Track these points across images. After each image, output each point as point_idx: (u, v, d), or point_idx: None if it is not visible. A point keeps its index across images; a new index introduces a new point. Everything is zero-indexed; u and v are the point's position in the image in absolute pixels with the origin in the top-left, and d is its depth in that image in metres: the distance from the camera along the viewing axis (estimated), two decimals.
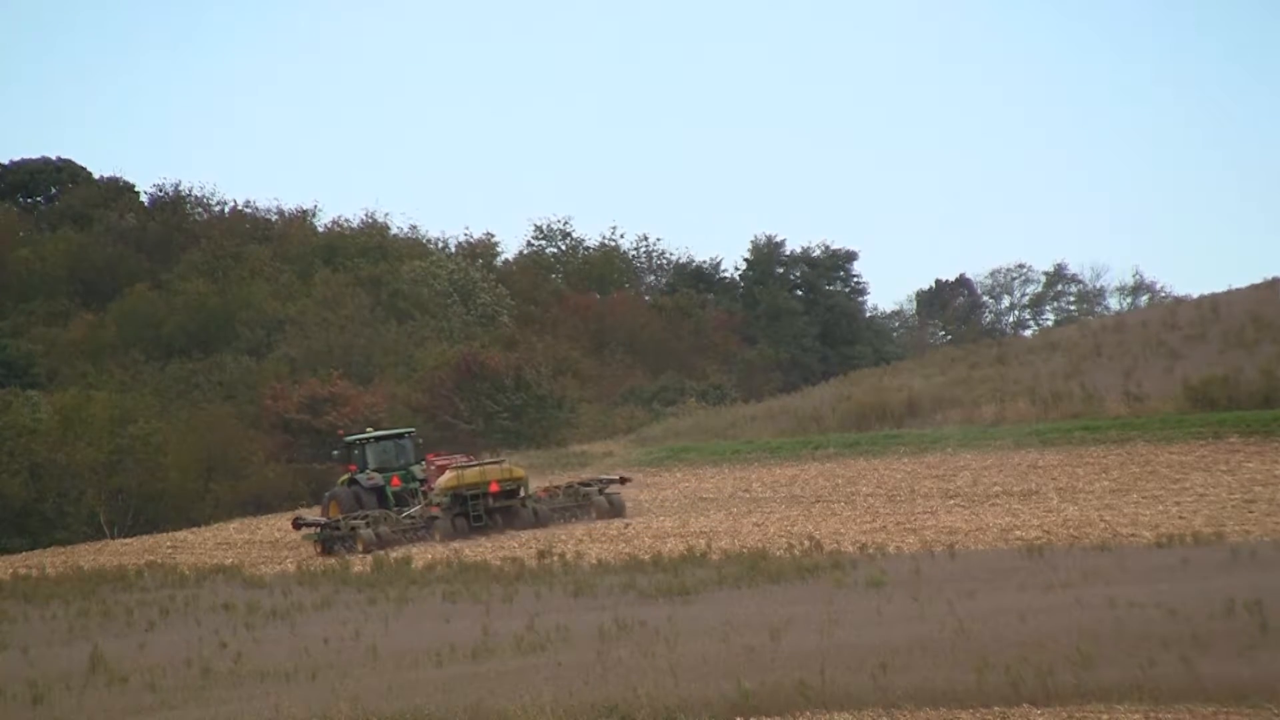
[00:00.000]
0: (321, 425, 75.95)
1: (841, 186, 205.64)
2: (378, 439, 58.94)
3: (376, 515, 52.68)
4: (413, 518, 53.02)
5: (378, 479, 56.86)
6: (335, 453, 60.09)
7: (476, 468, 53.14)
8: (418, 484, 56.10)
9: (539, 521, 51.81)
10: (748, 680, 19.79)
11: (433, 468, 55.73)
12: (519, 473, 53.52)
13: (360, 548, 50.19)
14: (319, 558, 50.34)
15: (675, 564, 36.15)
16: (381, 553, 48.05)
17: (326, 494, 58.85)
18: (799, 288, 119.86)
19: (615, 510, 52.58)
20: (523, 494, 52.93)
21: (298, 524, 53.81)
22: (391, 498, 56.30)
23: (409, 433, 60.48)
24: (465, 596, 34.24)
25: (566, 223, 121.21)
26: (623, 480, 54.96)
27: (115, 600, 40.48)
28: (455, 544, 47.67)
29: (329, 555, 50.44)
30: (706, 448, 67.94)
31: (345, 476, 57.97)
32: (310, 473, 72.41)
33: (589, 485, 54.54)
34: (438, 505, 52.17)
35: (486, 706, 19.94)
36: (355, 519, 52.26)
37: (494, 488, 51.88)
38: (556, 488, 55.18)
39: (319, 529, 52.65)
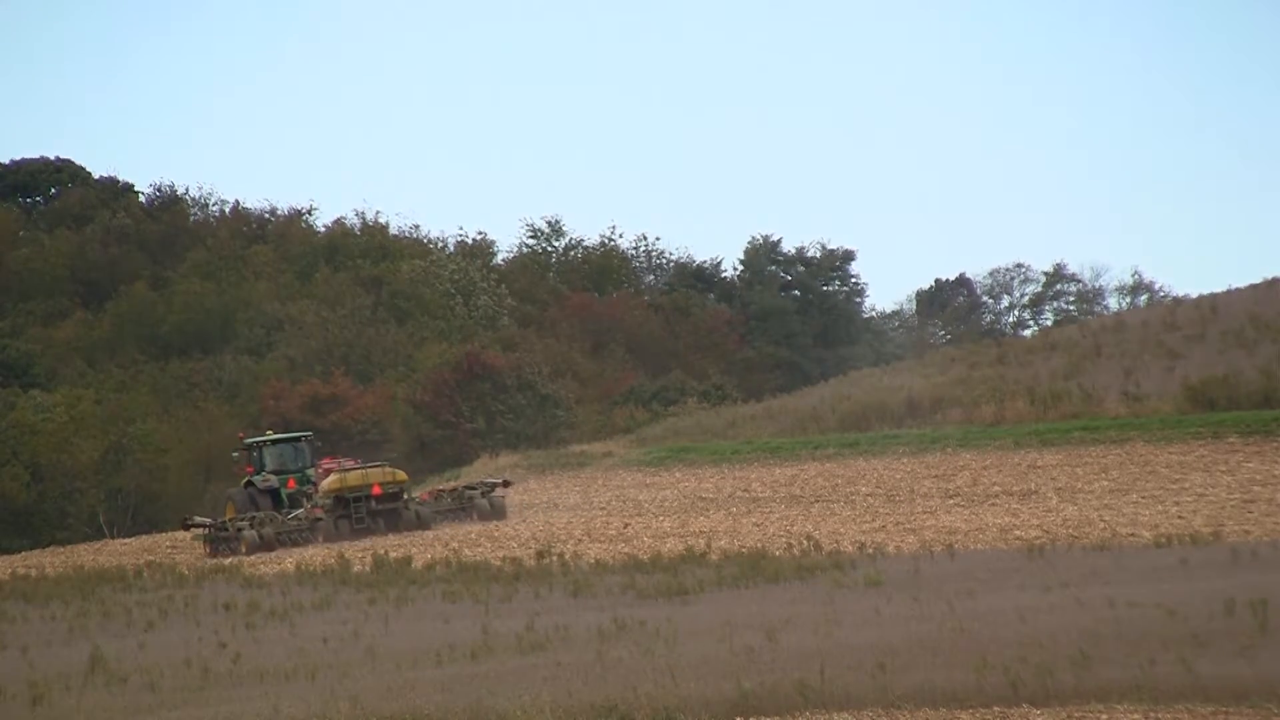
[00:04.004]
0: (325, 425, 76.07)
1: (842, 186, 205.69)
2: (274, 442, 60.32)
3: (261, 517, 54.36)
4: (298, 519, 54.53)
5: (273, 481, 58.45)
6: (235, 455, 61.31)
7: (358, 471, 54.79)
8: (311, 486, 56.96)
9: (421, 524, 53.73)
10: (747, 680, 19.79)
11: (321, 470, 56.78)
12: (401, 476, 55.41)
13: (244, 549, 52.06)
14: (208, 558, 52.29)
15: (675, 564, 36.14)
16: (271, 551, 51.06)
17: (225, 495, 60.57)
18: (795, 288, 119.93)
19: (496, 513, 54.68)
20: (405, 497, 54.76)
21: (186, 524, 55.84)
22: (286, 500, 57.72)
23: (306, 436, 62.04)
24: (465, 596, 34.23)
25: (557, 222, 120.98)
26: (505, 484, 57.24)
27: (115, 600, 40.45)
28: (454, 544, 47.65)
29: (217, 556, 52.39)
30: (706, 447, 67.94)
31: (246, 479, 59.18)
32: None
33: (473, 489, 56.53)
34: (321, 507, 53.95)
35: (486, 706, 19.94)
36: (241, 520, 53.96)
37: (376, 490, 53.83)
38: (442, 491, 57.59)
39: (207, 530, 54.53)
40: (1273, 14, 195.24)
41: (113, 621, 36.03)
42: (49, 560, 57.68)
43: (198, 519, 56.32)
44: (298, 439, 61.06)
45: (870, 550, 35.82)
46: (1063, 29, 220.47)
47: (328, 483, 54.24)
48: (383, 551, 45.49)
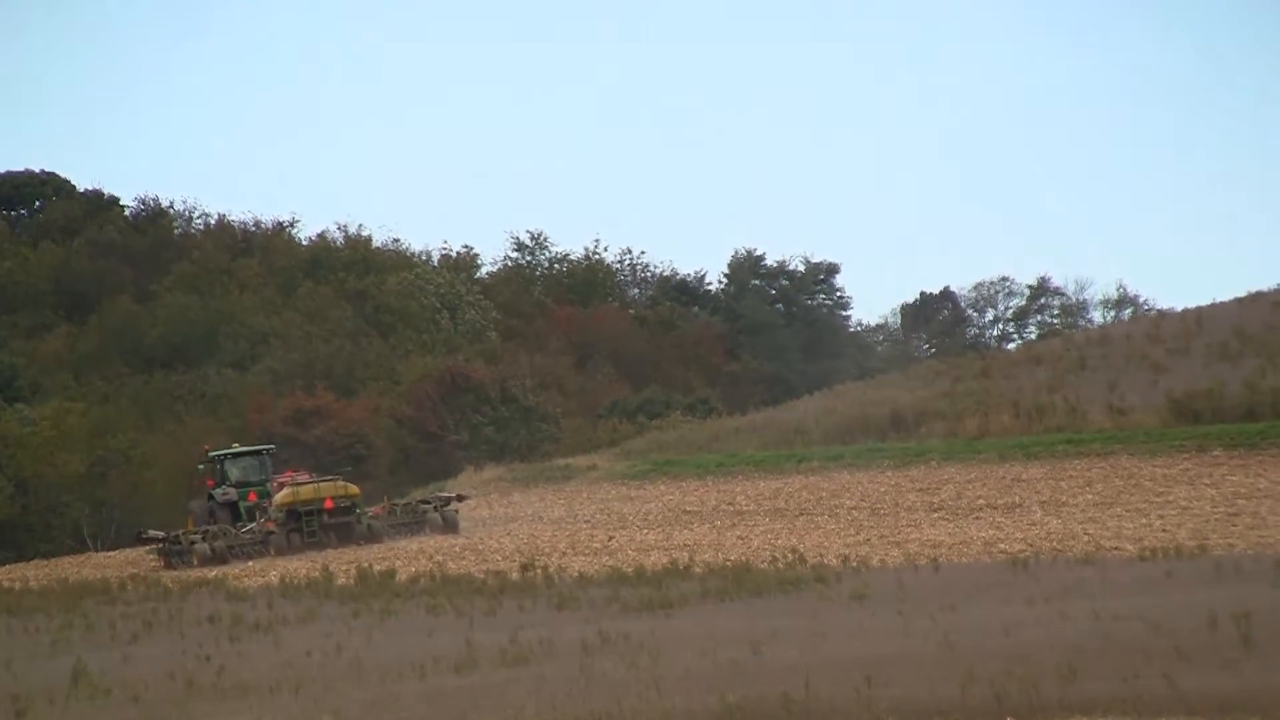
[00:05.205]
0: (309, 439, 75.96)
1: (827, 200, 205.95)
2: (236, 455, 60.81)
3: (214, 530, 55.06)
4: (251, 532, 55.20)
5: (231, 494, 59.17)
6: (200, 467, 61.65)
7: (311, 485, 55.19)
8: (268, 500, 57.37)
9: (373, 537, 54.19)
10: (731, 693, 19.76)
11: (277, 484, 57.36)
12: (353, 490, 55.73)
13: (196, 561, 52.89)
14: (163, 570, 53.12)
15: (659, 577, 36.10)
16: (225, 564, 51.93)
17: (187, 508, 60.96)
18: (778, 301, 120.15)
19: (450, 526, 55.19)
20: (357, 511, 55.16)
21: (140, 538, 57.24)
22: (245, 513, 58.29)
23: (268, 449, 62.62)
24: (448, 609, 34.18)
25: (541, 235, 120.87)
26: (460, 499, 57.93)
27: (98, 613, 40.33)
28: (438, 557, 47.58)
29: (171, 568, 53.10)
30: (690, 461, 67.92)
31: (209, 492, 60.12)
32: None
33: (427, 503, 57.27)
34: (274, 520, 54.48)
35: (470, 719, 19.91)
36: (194, 534, 54.75)
37: (328, 504, 54.37)
38: (395, 504, 57.96)
39: (160, 543, 55.58)
40: (1259, 28, 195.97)
41: (96, 634, 35.92)
42: (33, 573, 57.54)
43: (151, 532, 57.20)
44: (259, 452, 61.35)
45: (854, 564, 35.82)
46: (1047, 43, 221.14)
47: (280, 496, 54.80)
48: (367, 564, 45.42)
